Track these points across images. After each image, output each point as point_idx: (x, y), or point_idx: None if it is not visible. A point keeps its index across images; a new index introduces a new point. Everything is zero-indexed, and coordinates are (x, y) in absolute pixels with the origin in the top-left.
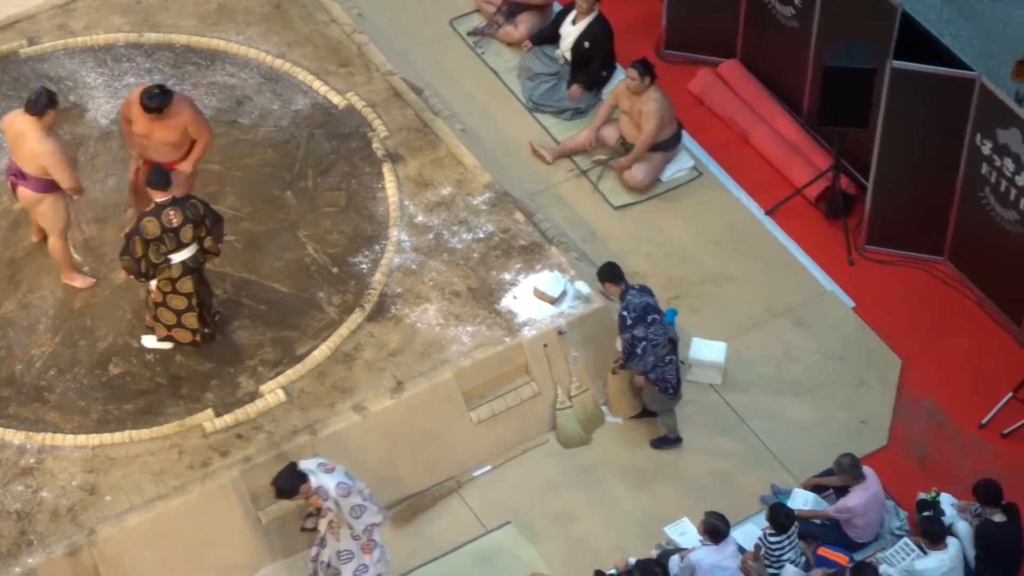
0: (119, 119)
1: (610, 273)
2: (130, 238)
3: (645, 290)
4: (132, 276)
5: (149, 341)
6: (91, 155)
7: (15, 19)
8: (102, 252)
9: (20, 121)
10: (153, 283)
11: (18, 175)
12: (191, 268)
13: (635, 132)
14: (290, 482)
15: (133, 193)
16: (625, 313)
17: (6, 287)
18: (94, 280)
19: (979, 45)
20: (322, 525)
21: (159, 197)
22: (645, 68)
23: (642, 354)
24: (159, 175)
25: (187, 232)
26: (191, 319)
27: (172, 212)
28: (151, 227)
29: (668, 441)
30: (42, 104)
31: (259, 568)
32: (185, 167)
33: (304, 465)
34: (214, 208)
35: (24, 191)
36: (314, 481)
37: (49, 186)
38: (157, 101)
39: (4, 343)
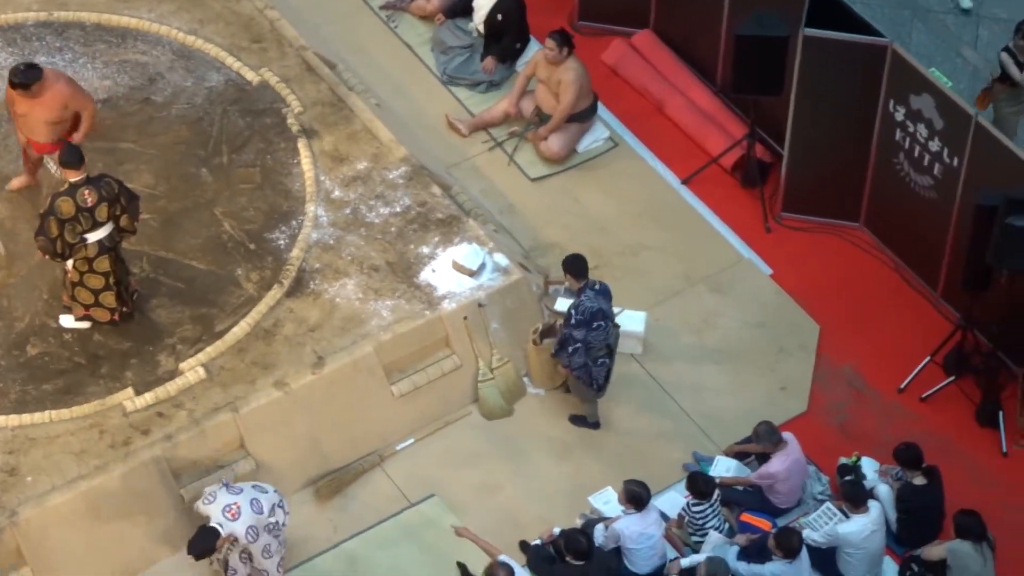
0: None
1: (575, 266)
2: (45, 218)
3: (603, 292)
4: (48, 256)
5: (67, 321)
6: (2, 135)
7: None
8: (16, 232)
9: None
10: (70, 263)
11: None
12: (107, 247)
13: (552, 102)
14: (207, 542)
15: (26, 166)
16: (572, 311)
17: None
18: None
19: (890, 12)
20: (233, 558)
21: (73, 177)
22: (563, 38)
23: (572, 353)
24: (72, 153)
25: (102, 211)
26: (109, 298)
27: (87, 191)
28: (66, 207)
29: (586, 423)
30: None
31: (183, 546)
32: (77, 139)
33: (209, 512)
34: (129, 187)
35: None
36: (225, 530)
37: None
38: (22, 77)
39: None
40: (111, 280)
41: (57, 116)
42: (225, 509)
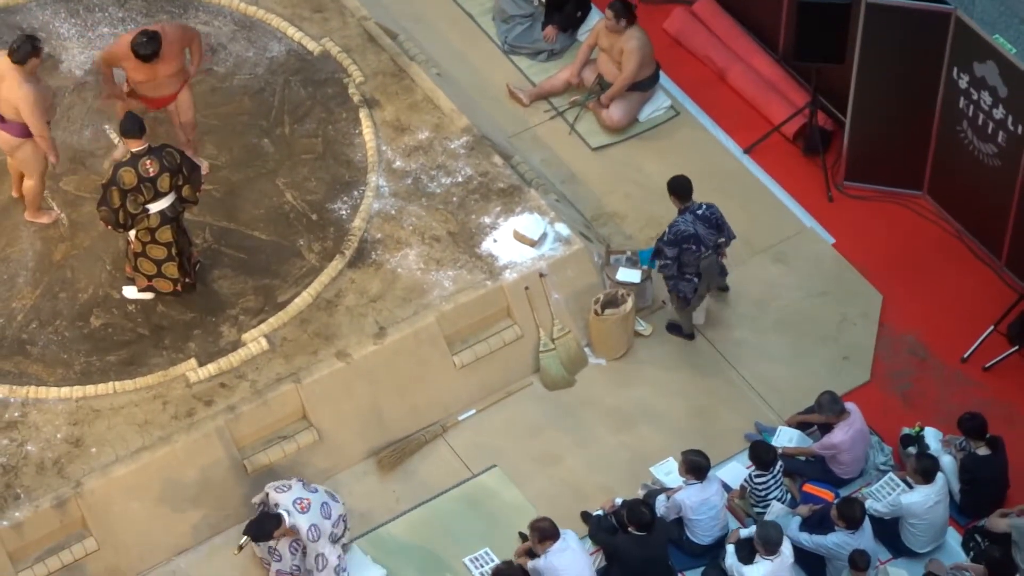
0: (100, 65)
1: (679, 188)
2: (107, 188)
3: (704, 219)
4: (110, 227)
5: (130, 292)
6: (66, 106)
7: None
8: (79, 203)
9: (2, 63)
10: (132, 233)
11: None
12: (169, 217)
13: (614, 71)
14: (268, 527)
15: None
16: (668, 229)
17: None
18: (59, 213)
19: None
20: (282, 545)
21: (135, 147)
22: (623, 8)
23: (662, 267)
24: (133, 123)
25: (164, 181)
26: (171, 269)
27: (149, 161)
28: (128, 177)
29: (681, 332)
30: (24, 52)
31: (245, 517)
32: (193, 72)
33: (280, 499)
34: (190, 156)
35: (2, 134)
36: (288, 520)
37: (26, 131)
38: (150, 47)
39: None
40: (173, 251)
41: (181, 64)
42: (296, 501)
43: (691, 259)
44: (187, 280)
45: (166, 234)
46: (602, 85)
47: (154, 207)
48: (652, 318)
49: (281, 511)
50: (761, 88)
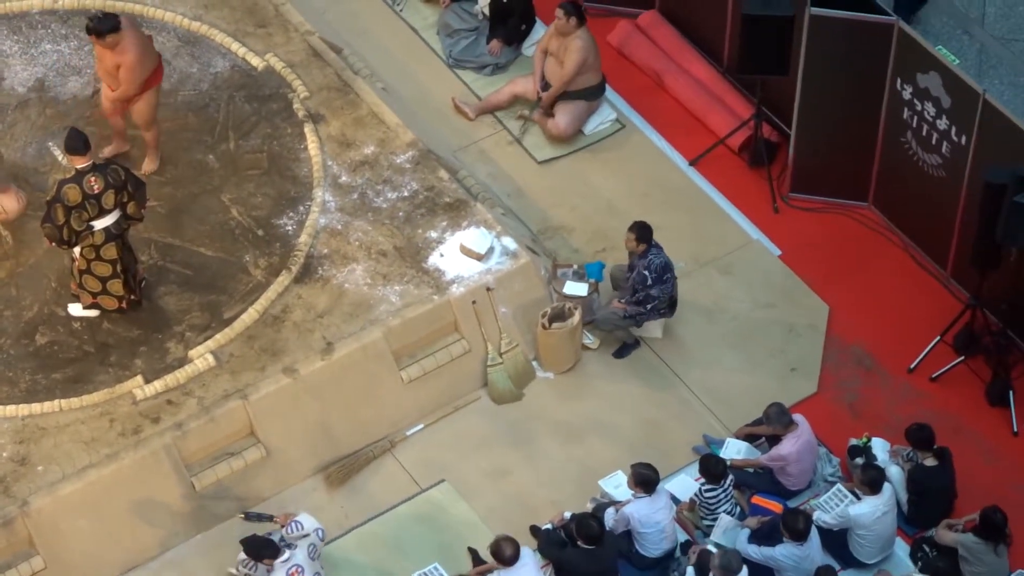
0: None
1: (642, 230)
2: (51, 205)
3: (661, 247)
4: (55, 244)
5: (75, 309)
6: (9, 123)
7: None
8: (23, 221)
9: None
10: (77, 250)
11: None
12: (114, 235)
13: (560, 72)
14: (263, 550)
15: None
16: (647, 272)
17: None
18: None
19: None
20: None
21: (79, 163)
22: (572, 8)
23: (649, 312)
24: (77, 139)
25: (109, 198)
26: (116, 286)
27: (93, 178)
28: (72, 194)
29: (628, 347)
30: None
31: (194, 534)
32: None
33: (295, 554)
34: (136, 174)
35: None
36: (287, 554)
37: None
38: (98, 23)
39: None
40: (118, 268)
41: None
42: (295, 567)
43: (666, 291)
44: (132, 297)
45: (111, 251)
46: (547, 91)
47: (99, 224)
48: (599, 332)
49: (286, 551)
50: (706, 100)
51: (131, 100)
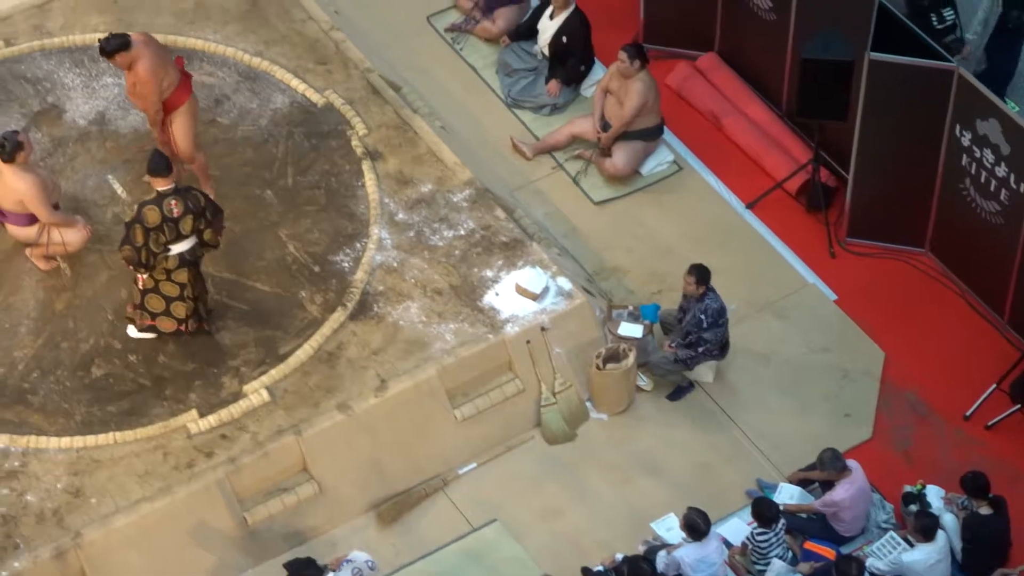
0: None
1: (701, 272)
2: (131, 226)
3: (716, 292)
4: (132, 266)
5: (131, 331)
6: (70, 156)
7: None
8: (81, 253)
9: None
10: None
11: (0, 213)
12: (188, 260)
13: (620, 113)
14: (302, 571)
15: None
16: (703, 316)
17: None
18: (56, 265)
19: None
20: None
21: (160, 186)
22: (635, 50)
23: (700, 355)
24: (160, 161)
25: (187, 223)
26: (180, 309)
27: (174, 201)
28: (152, 215)
29: (682, 390)
30: (11, 150)
31: (245, 569)
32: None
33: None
34: (214, 201)
35: (12, 228)
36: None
37: (32, 219)
38: (106, 42)
39: None
40: (186, 292)
41: (144, 89)
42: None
43: (719, 335)
44: (198, 326)
45: (182, 275)
46: (606, 131)
47: (175, 248)
48: (653, 374)
49: (329, 574)
50: (764, 143)
51: (169, 129)
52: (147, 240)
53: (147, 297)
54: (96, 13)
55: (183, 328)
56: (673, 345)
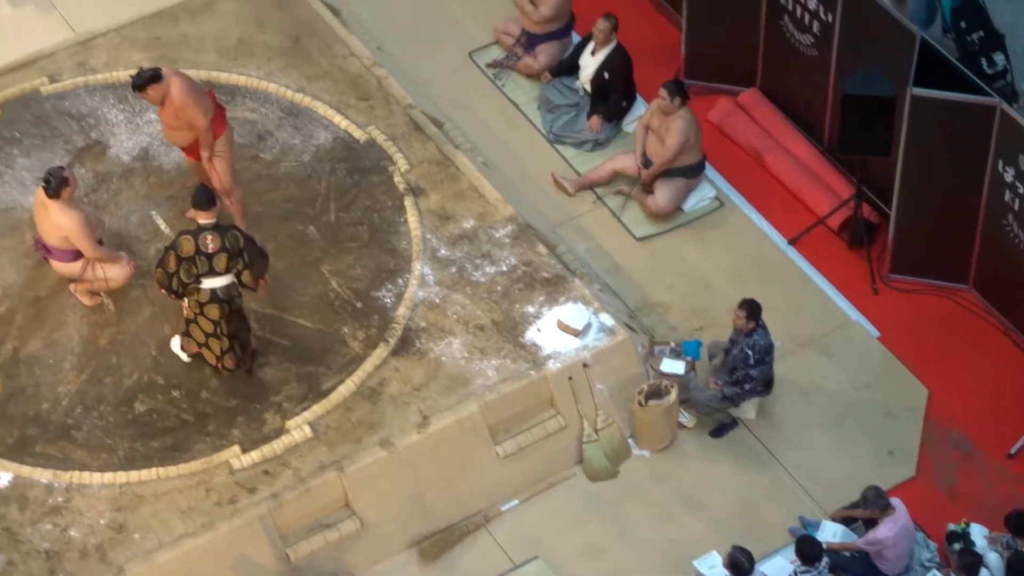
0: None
1: (753, 307)
2: (167, 251)
3: (767, 328)
4: (163, 290)
5: (175, 343)
6: (113, 192)
7: (36, 57)
8: (125, 289)
9: (41, 196)
10: (185, 300)
11: (45, 249)
12: (219, 298)
13: (662, 150)
14: None
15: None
16: (750, 352)
17: (31, 325)
18: (100, 300)
19: None
20: None
21: (202, 219)
22: (676, 88)
23: (746, 392)
24: (203, 195)
25: (221, 260)
26: (215, 345)
27: (210, 236)
28: (187, 245)
29: (725, 427)
30: (56, 186)
31: None
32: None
33: None
34: (262, 246)
35: (56, 264)
36: None
37: (78, 255)
38: (137, 78)
39: (30, 381)
40: (220, 330)
41: (182, 123)
42: None
43: (765, 372)
44: (233, 366)
45: (213, 312)
46: (647, 168)
47: (207, 283)
48: (695, 411)
49: None
50: (805, 179)
51: (209, 162)
52: (179, 268)
53: (190, 326)
54: (139, 50)
55: (218, 365)
56: (719, 383)
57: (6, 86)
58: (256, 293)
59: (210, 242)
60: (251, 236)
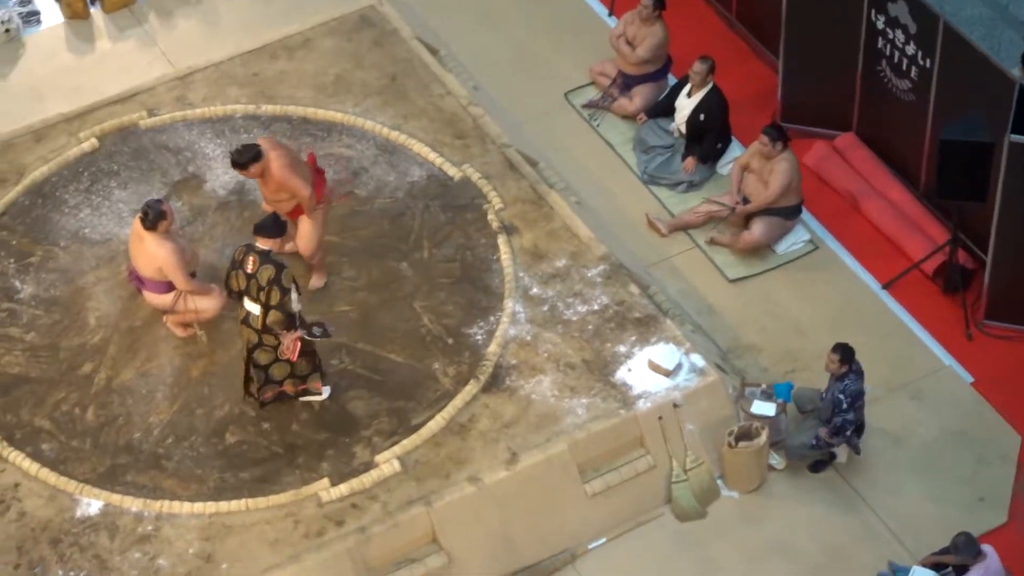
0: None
1: (847, 351)
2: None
3: (861, 374)
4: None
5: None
6: (209, 225)
7: (135, 91)
8: (218, 321)
9: (138, 227)
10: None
11: (138, 280)
12: (248, 324)
13: (762, 191)
14: None
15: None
16: (841, 396)
17: (125, 355)
18: (193, 332)
19: None
20: None
21: (259, 242)
22: (777, 133)
23: (848, 436)
24: (266, 221)
25: (253, 286)
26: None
27: (252, 258)
28: (237, 254)
29: (823, 462)
30: (154, 219)
31: None
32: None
33: None
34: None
35: (149, 296)
36: None
37: (169, 287)
38: (235, 156)
39: (122, 411)
40: (246, 353)
41: (283, 196)
42: None
43: (857, 417)
44: (257, 401)
45: (244, 334)
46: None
47: (246, 303)
48: (785, 453)
49: None
50: (900, 223)
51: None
52: (229, 272)
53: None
54: (236, 85)
55: (247, 393)
56: (825, 434)
57: (105, 119)
58: (348, 325)
59: (250, 263)
60: (284, 286)
